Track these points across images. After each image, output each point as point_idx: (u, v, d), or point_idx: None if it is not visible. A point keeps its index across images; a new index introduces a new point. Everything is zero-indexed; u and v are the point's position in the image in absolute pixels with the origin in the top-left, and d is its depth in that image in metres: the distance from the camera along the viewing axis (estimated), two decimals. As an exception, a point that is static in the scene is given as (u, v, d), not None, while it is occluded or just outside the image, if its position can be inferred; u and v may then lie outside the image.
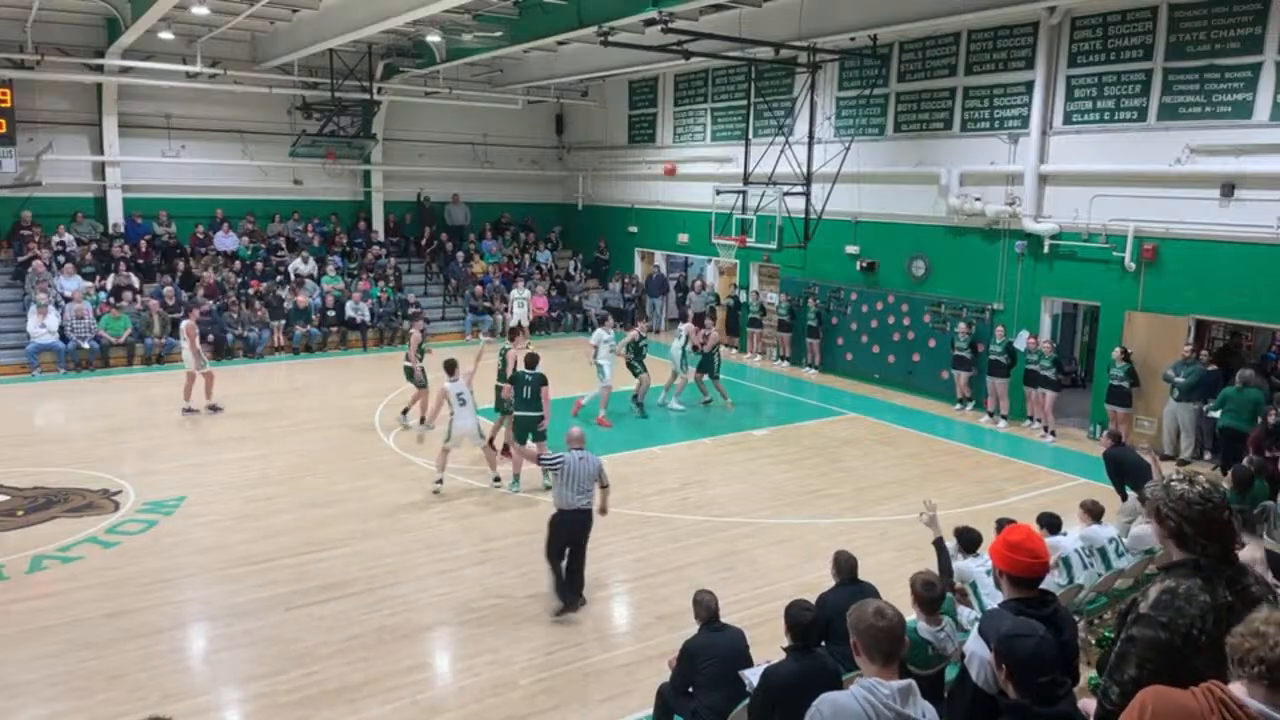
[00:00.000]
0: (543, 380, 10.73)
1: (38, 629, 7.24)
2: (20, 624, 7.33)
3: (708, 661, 5.24)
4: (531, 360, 10.92)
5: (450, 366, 10.98)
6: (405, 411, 13.66)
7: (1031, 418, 14.06)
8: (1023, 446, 13.35)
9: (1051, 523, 7.24)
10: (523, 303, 20.95)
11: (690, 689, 5.33)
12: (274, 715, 6.21)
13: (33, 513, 9.75)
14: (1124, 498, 8.86)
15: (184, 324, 14.29)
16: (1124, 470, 9.02)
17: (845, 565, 5.86)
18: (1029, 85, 14.17)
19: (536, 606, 7.85)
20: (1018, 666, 3.12)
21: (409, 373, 13.55)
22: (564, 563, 7.70)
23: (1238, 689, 2.35)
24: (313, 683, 6.56)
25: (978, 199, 14.97)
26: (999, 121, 14.80)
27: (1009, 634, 3.22)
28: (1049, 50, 13.82)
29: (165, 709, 6.02)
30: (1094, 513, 7.61)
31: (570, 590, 7.70)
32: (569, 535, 7.68)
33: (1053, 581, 6.48)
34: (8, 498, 10.18)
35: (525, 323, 20.73)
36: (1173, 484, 3.06)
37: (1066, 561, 6.95)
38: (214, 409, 14.13)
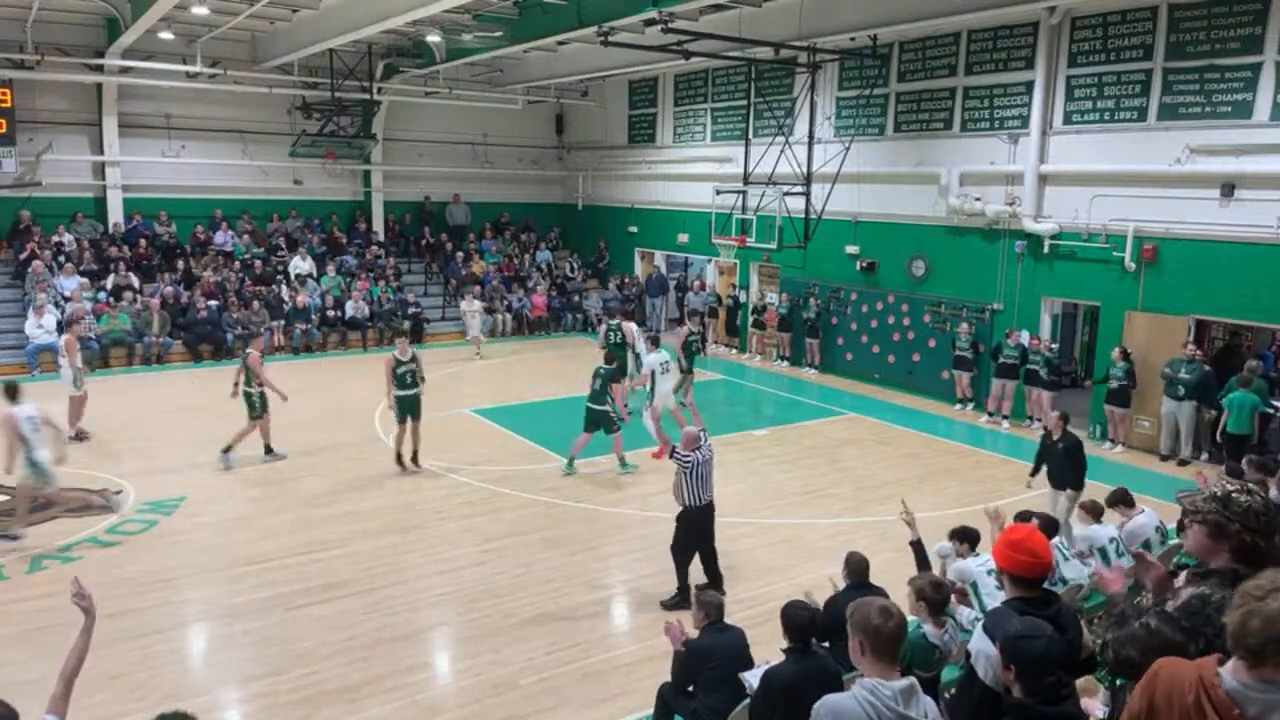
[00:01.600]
0: (613, 376, 11.73)
1: (38, 629, 7.24)
2: (20, 624, 7.34)
3: (714, 663, 5.20)
4: (609, 358, 12.50)
5: (12, 390, 9.20)
6: (268, 450, 11.83)
7: (1032, 418, 14.06)
8: (1023, 446, 13.31)
9: (1049, 527, 7.22)
10: (474, 315, 19.56)
11: (690, 688, 5.33)
12: (274, 715, 6.21)
13: (33, 513, 9.73)
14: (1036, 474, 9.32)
15: (64, 338, 12.45)
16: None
17: (856, 567, 5.79)
18: (1029, 85, 14.17)
19: (536, 606, 7.85)
20: (1027, 667, 3.12)
21: (251, 402, 11.58)
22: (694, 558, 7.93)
23: (1228, 666, 2.35)
24: (313, 682, 6.56)
25: (978, 199, 14.97)
26: (999, 121, 14.80)
27: (1018, 634, 3.21)
28: (1049, 50, 13.82)
29: (166, 708, 6.00)
30: (1094, 512, 7.60)
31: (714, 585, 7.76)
32: (701, 530, 7.88)
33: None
34: (7, 498, 10.17)
35: (480, 335, 19.30)
36: (1232, 496, 2.97)
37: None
38: (80, 437, 12.36)
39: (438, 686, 6.71)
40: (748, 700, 4.89)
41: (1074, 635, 3.67)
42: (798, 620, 4.72)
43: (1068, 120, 13.84)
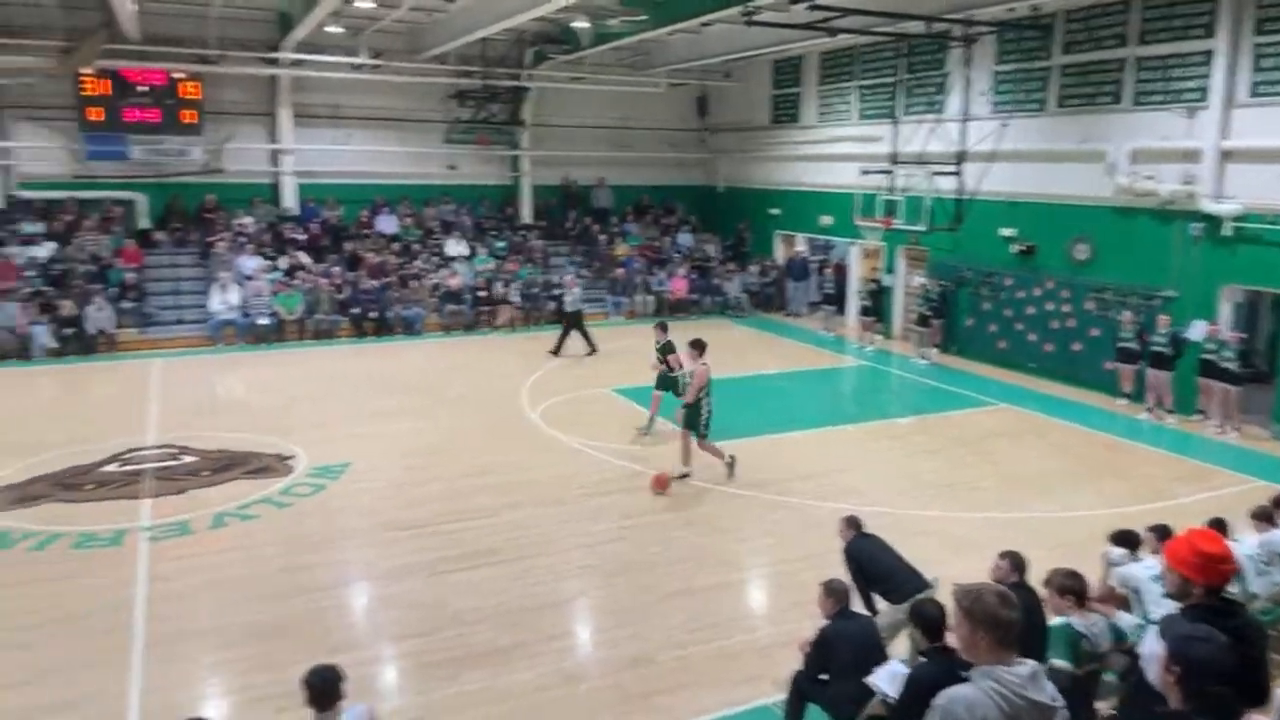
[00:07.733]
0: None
1: (219, 580, 7.95)
2: (204, 575, 8.06)
3: (844, 649, 5.20)
4: None
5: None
6: None
7: (1203, 412, 13.06)
8: (1193, 444, 12.44)
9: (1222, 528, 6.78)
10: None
11: (824, 676, 5.32)
12: (425, 672, 6.59)
13: (217, 473, 10.68)
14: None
15: None
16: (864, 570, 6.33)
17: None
18: (1209, 55, 13.08)
19: (673, 584, 7.98)
20: (1190, 670, 2.93)
21: None
22: None
23: None
24: (461, 644, 6.92)
25: (1149, 177, 13.97)
26: (1174, 94, 13.74)
27: (1187, 635, 3.02)
28: (1232, 17, 12.72)
29: (332, 659, 6.50)
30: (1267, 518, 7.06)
31: None
32: None
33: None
34: (196, 459, 11.19)
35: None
36: None
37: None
38: None
39: (580, 655, 6.95)
40: (881, 698, 4.82)
41: (1258, 652, 3.40)
42: (929, 617, 4.61)
43: (1254, 92, 12.70)
